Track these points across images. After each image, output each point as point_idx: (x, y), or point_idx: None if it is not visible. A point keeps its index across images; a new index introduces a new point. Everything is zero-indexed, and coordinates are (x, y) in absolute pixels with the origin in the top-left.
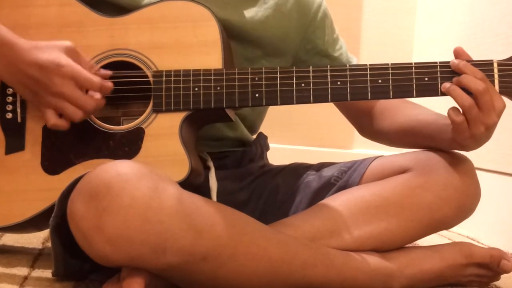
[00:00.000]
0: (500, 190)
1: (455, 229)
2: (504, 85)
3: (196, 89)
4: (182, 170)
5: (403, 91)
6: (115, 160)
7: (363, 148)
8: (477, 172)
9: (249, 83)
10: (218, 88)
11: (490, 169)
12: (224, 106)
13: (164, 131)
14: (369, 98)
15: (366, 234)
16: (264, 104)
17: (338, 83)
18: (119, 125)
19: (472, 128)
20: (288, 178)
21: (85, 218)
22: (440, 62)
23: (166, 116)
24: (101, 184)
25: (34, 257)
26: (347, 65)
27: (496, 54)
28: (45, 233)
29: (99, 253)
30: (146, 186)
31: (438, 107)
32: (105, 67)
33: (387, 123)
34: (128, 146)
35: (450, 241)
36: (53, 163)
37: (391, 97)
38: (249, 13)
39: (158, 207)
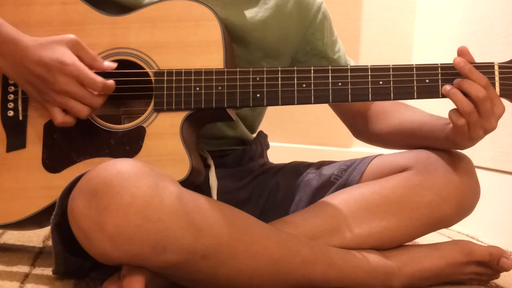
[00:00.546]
0: (499, 189)
1: (455, 227)
2: (504, 87)
3: (198, 88)
4: (183, 169)
5: (404, 93)
6: (116, 158)
7: (363, 147)
8: (477, 170)
9: (250, 83)
10: (220, 87)
11: (490, 167)
12: (225, 106)
13: (165, 130)
14: (370, 99)
15: (366, 232)
16: (265, 104)
17: (339, 83)
18: (120, 123)
19: (471, 132)
20: (288, 177)
21: (86, 216)
22: (441, 64)
23: (167, 115)
24: (102, 182)
25: (35, 255)
26: (349, 66)
27: (495, 53)
28: (46, 231)
29: (99, 251)
30: (146, 185)
31: (438, 109)
32: None
33: (381, 125)
34: (129, 145)
35: (450, 240)
36: (54, 161)
37: (392, 98)
38: (250, 13)
39: (158, 205)
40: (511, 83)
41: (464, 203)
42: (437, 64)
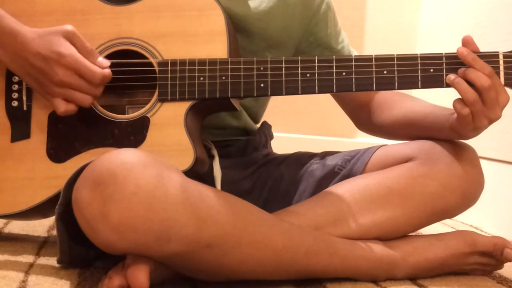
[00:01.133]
0: (503, 179)
1: (459, 217)
2: (509, 77)
3: (202, 78)
4: (187, 159)
5: (408, 82)
6: (120, 148)
7: (367, 137)
8: (481, 161)
9: (254, 73)
10: (223, 77)
11: (494, 158)
12: (229, 95)
13: (169, 120)
14: (374, 89)
15: (370, 223)
16: (269, 94)
17: (344, 73)
18: (124, 114)
19: (476, 121)
20: (292, 167)
21: (90, 206)
22: (445, 53)
23: (171, 105)
24: (106, 172)
25: (40, 245)
26: (353, 56)
27: (500, 43)
28: (50, 220)
29: (103, 241)
30: (150, 175)
31: (442, 98)
32: (110, 55)
33: (384, 116)
34: (133, 135)
35: (453, 230)
36: (58, 151)
37: (396, 88)
38: (253, 3)
39: (162, 195)
40: None
41: (468, 193)
42: (442, 53)
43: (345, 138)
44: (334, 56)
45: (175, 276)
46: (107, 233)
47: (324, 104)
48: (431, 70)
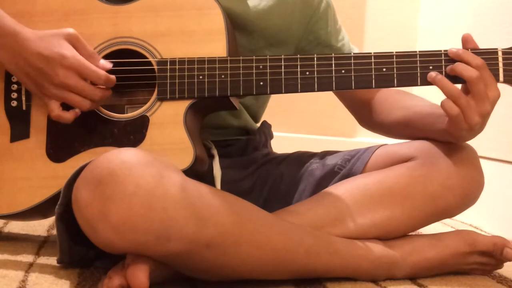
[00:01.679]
0: (503, 179)
1: (459, 217)
2: (508, 73)
3: (201, 77)
4: (187, 158)
5: (407, 79)
6: (119, 148)
7: (367, 137)
8: (481, 160)
9: (254, 71)
10: (223, 76)
11: (494, 157)
12: (229, 94)
13: (168, 119)
14: (374, 86)
15: (370, 222)
16: (268, 92)
17: (343, 71)
18: (124, 113)
19: (467, 119)
20: (292, 167)
21: (90, 205)
22: (444, 51)
23: (170, 104)
24: (106, 171)
25: (39, 245)
26: (352, 53)
27: (500, 41)
28: (50, 220)
29: (103, 240)
30: (150, 174)
31: (442, 96)
32: (109, 55)
33: (385, 115)
34: (133, 134)
35: (453, 230)
36: (58, 151)
37: (395, 85)
38: (253, 2)
39: (162, 195)
40: None
41: (468, 193)
42: (441, 50)
43: (345, 137)
44: (333, 54)
45: (175, 275)
46: (107, 232)
47: (324, 104)
48: (430, 68)
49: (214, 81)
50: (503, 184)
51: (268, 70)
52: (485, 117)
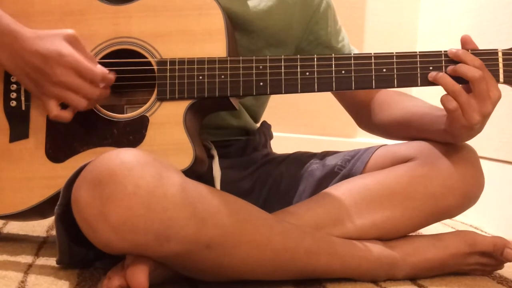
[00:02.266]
0: (504, 179)
1: (459, 218)
2: (508, 74)
3: (201, 77)
4: (186, 158)
5: (407, 80)
6: (119, 148)
7: (367, 137)
8: (481, 160)
9: (254, 71)
10: (223, 76)
11: (494, 157)
12: (228, 94)
13: (168, 119)
14: (374, 87)
15: (370, 223)
16: (268, 92)
17: (343, 71)
18: (123, 113)
19: (466, 116)
20: (292, 167)
21: (89, 205)
22: (444, 51)
23: (170, 104)
24: (105, 172)
25: (39, 245)
26: (352, 54)
27: (500, 42)
28: (49, 221)
29: (103, 241)
30: (150, 174)
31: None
32: (109, 55)
33: (383, 116)
34: (133, 134)
35: (453, 230)
36: (57, 151)
37: (395, 86)
38: (253, 2)
39: (162, 195)
40: None
41: (468, 193)
42: (441, 51)
43: (345, 138)
44: (333, 54)
45: (175, 276)
46: (107, 233)
47: (324, 104)
48: (431, 68)
49: (214, 82)
50: (503, 184)
51: (268, 71)
52: (485, 117)
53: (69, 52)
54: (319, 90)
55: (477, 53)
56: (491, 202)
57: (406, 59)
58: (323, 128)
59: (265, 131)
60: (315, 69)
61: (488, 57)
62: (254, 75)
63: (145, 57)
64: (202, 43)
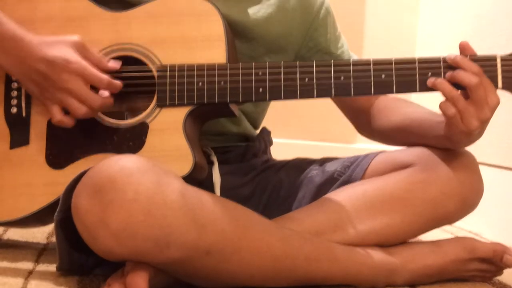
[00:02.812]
0: (503, 185)
1: (458, 224)
2: (507, 80)
3: (200, 84)
4: (186, 165)
5: (406, 86)
6: (119, 154)
7: (366, 143)
8: (480, 166)
9: (253, 77)
10: (222, 83)
11: (493, 163)
12: (228, 101)
13: (168, 125)
14: (373, 93)
15: (369, 229)
16: (267, 99)
17: (342, 78)
18: (123, 119)
19: (465, 122)
20: (292, 173)
21: (89, 212)
22: (443, 57)
23: (170, 110)
24: (105, 178)
25: (39, 252)
26: (351, 60)
27: (499, 48)
28: (50, 227)
29: (103, 247)
30: (149, 181)
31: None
32: None
33: (383, 122)
34: (132, 140)
35: (453, 236)
36: (57, 157)
37: (394, 91)
38: (252, 9)
39: (161, 201)
40: None
41: (467, 199)
42: (439, 57)
43: (344, 144)
44: (332, 60)
45: (175, 282)
46: (107, 239)
47: (324, 110)
48: (429, 74)
49: (214, 88)
50: (502, 190)
51: (267, 77)
52: (484, 122)
53: (76, 59)
54: (318, 96)
55: (476, 59)
56: (491, 208)
57: (405, 65)
58: (322, 134)
59: (265, 137)
60: (314, 75)
61: (486, 63)
62: (253, 81)
63: (145, 64)
64: (202, 50)
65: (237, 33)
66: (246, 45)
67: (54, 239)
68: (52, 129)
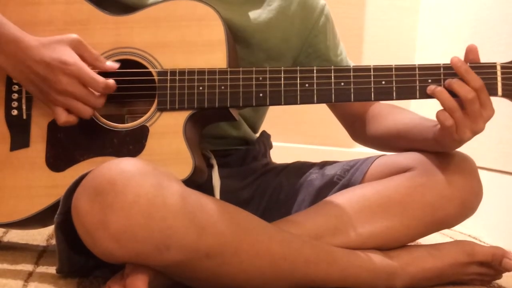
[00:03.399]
0: (502, 189)
1: (457, 227)
2: (507, 88)
3: (201, 88)
4: (186, 168)
5: (406, 93)
6: (119, 157)
7: (365, 147)
8: (479, 171)
9: (253, 82)
10: (223, 87)
11: (492, 168)
12: (228, 105)
13: (168, 129)
14: (373, 99)
15: (369, 232)
16: (268, 104)
17: (342, 83)
18: (124, 123)
19: (459, 132)
20: (291, 177)
21: (90, 214)
22: (443, 64)
23: (170, 114)
24: (105, 181)
25: (39, 254)
26: (351, 66)
27: (498, 53)
28: (50, 230)
29: (103, 250)
30: (149, 184)
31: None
32: None
33: (377, 128)
34: (133, 144)
35: (452, 240)
36: (57, 160)
37: (394, 98)
38: (253, 14)
39: (161, 204)
40: None
41: (466, 203)
42: (439, 64)
43: (344, 148)
44: (332, 66)
45: (174, 285)
46: (107, 242)
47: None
48: (429, 81)
49: (214, 92)
50: (501, 194)
51: (267, 82)
52: (476, 133)
53: (73, 61)
54: (319, 102)
55: (476, 66)
56: (490, 212)
57: (405, 71)
58: (322, 138)
59: (265, 140)
60: (315, 80)
61: (486, 71)
62: (254, 86)
63: (146, 67)
64: (202, 54)
65: (237, 38)
66: (246, 51)
67: (54, 241)
68: (53, 132)
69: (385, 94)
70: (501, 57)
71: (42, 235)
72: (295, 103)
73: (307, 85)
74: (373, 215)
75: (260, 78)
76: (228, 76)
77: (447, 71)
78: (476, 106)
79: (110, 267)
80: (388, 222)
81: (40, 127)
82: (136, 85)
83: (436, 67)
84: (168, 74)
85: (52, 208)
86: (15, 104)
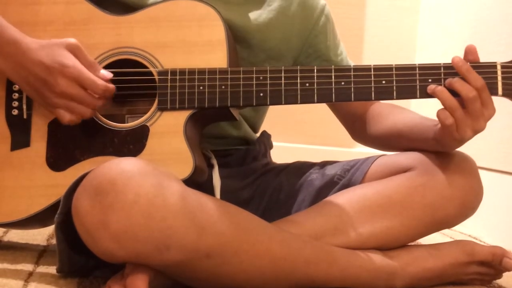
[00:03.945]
0: (502, 189)
1: (458, 227)
2: (507, 87)
3: (201, 87)
4: (186, 168)
5: (407, 92)
6: (119, 157)
7: (366, 147)
8: (480, 171)
9: (254, 82)
10: (223, 87)
11: (492, 168)
12: (229, 105)
13: (168, 129)
14: (373, 98)
15: (369, 232)
16: (268, 103)
17: (342, 83)
18: (124, 122)
19: (459, 131)
20: (291, 176)
21: (90, 214)
22: (444, 64)
23: (171, 114)
24: (106, 181)
25: (39, 254)
26: (351, 65)
27: (498, 53)
28: (50, 229)
29: (103, 250)
30: (150, 183)
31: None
32: (110, 65)
33: (377, 127)
34: (133, 143)
35: (452, 240)
36: (58, 159)
37: (394, 97)
38: (253, 15)
39: (162, 204)
40: None
41: (466, 203)
42: (440, 63)
43: (344, 147)
44: (333, 66)
45: (174, 285)
46: (107, 241)
47: (324, 114)
48: (430, 80)
49: (215, 92)
50: (502, 194)
51: (268, 81)
52: (477, 132)
53: (72, 63)
54: (319, 101)
55: (476, 65)
56: (490, 212)
57: (406, 71)
58: (322, 138)
59: (265, 140)
60: (315, 80)
61: (487, 70)
62: (254, 85)
63: (146, 67)
64: (203, 54)
65: (238, 38)
66: (247, 51)
67: (54, 241)
68: (53, 131)
69: (385, 94)
70: (501, 57)
71: (42, 235)
72: (295, 102)
73: (307, 84)
74: (373, 215)
75: (261, 78)
76: (229, 76)
77: (448, 71)
78: (478, 105)
79: (110, 267)
80: (388, 222)
81: (41, 126)
82: (136, 84)
83: (436, 67)
84: (169, 73)
85: (53, 208)
86: (15, 104)
